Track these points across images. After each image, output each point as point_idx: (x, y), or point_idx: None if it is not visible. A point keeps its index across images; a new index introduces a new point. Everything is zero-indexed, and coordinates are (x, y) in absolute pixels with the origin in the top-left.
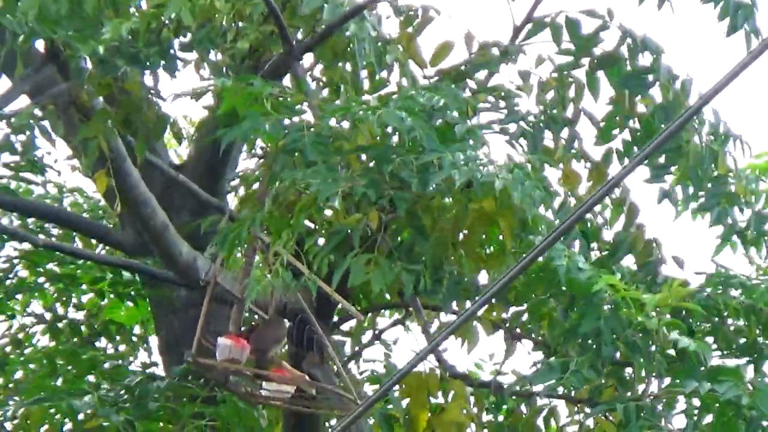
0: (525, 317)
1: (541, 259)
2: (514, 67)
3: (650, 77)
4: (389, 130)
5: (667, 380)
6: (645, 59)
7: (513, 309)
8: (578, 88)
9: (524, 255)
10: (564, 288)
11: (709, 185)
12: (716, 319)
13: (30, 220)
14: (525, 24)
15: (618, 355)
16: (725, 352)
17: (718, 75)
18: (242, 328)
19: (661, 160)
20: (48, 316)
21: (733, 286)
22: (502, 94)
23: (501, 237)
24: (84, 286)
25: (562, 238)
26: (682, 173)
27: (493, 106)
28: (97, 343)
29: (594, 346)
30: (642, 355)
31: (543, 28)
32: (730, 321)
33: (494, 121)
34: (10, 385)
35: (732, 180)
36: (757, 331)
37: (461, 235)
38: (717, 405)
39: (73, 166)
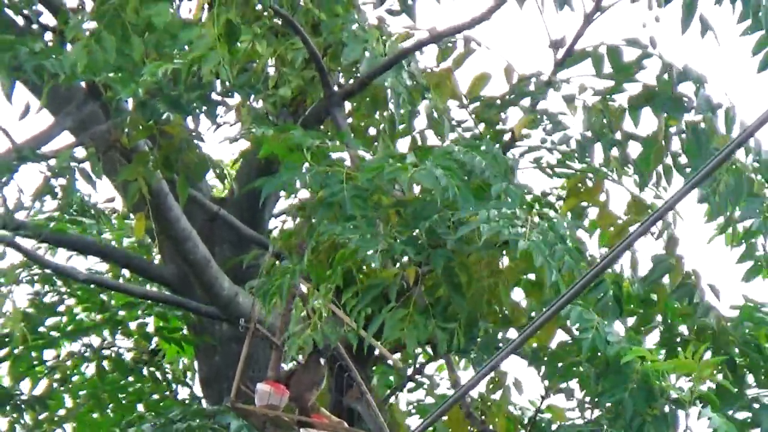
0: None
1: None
2: (557, 95)
3: (686, 102)
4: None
5: None
6: (687, 88)
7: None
8: (619, 114)
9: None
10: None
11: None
12: (756, 354)
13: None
14: (566, 57)
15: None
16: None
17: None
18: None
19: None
20: (96, 342)
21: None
22: (546, 116)
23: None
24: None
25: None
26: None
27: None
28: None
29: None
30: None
31: (584, 58)
32: None
33: (536, 147)
34: (56, 419)
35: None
36: None
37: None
38: None
39: (112, 209)
